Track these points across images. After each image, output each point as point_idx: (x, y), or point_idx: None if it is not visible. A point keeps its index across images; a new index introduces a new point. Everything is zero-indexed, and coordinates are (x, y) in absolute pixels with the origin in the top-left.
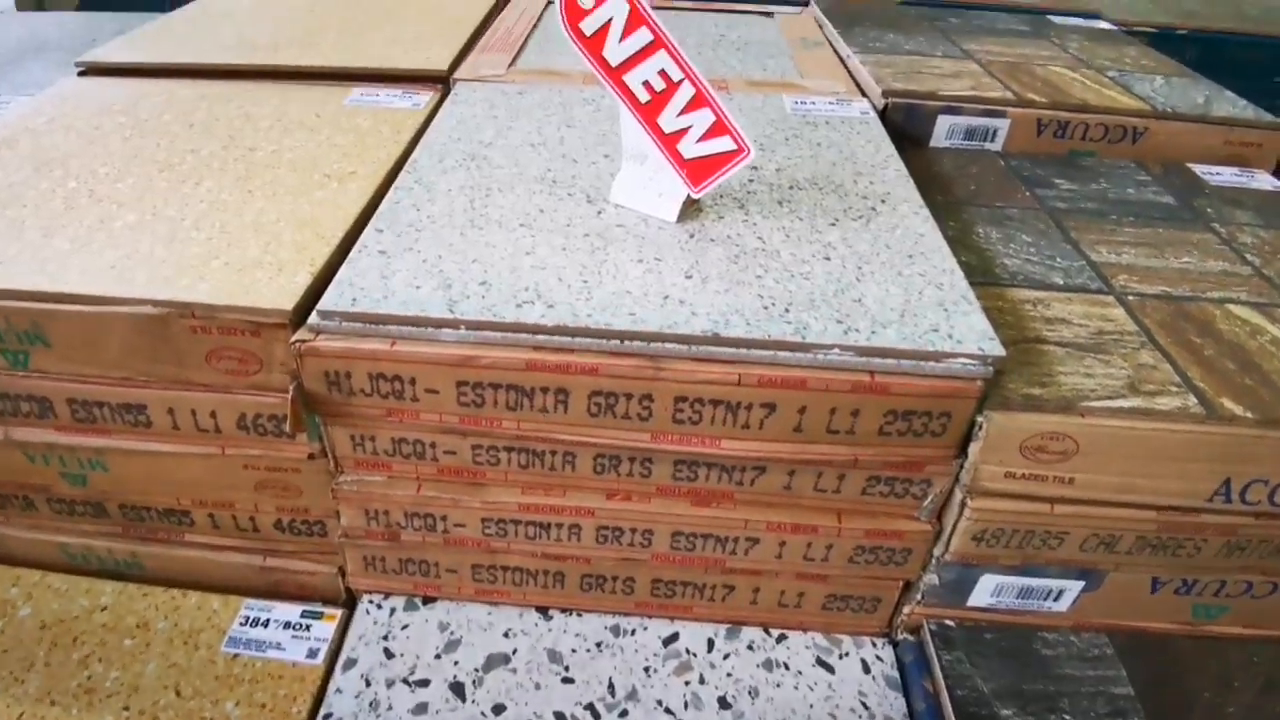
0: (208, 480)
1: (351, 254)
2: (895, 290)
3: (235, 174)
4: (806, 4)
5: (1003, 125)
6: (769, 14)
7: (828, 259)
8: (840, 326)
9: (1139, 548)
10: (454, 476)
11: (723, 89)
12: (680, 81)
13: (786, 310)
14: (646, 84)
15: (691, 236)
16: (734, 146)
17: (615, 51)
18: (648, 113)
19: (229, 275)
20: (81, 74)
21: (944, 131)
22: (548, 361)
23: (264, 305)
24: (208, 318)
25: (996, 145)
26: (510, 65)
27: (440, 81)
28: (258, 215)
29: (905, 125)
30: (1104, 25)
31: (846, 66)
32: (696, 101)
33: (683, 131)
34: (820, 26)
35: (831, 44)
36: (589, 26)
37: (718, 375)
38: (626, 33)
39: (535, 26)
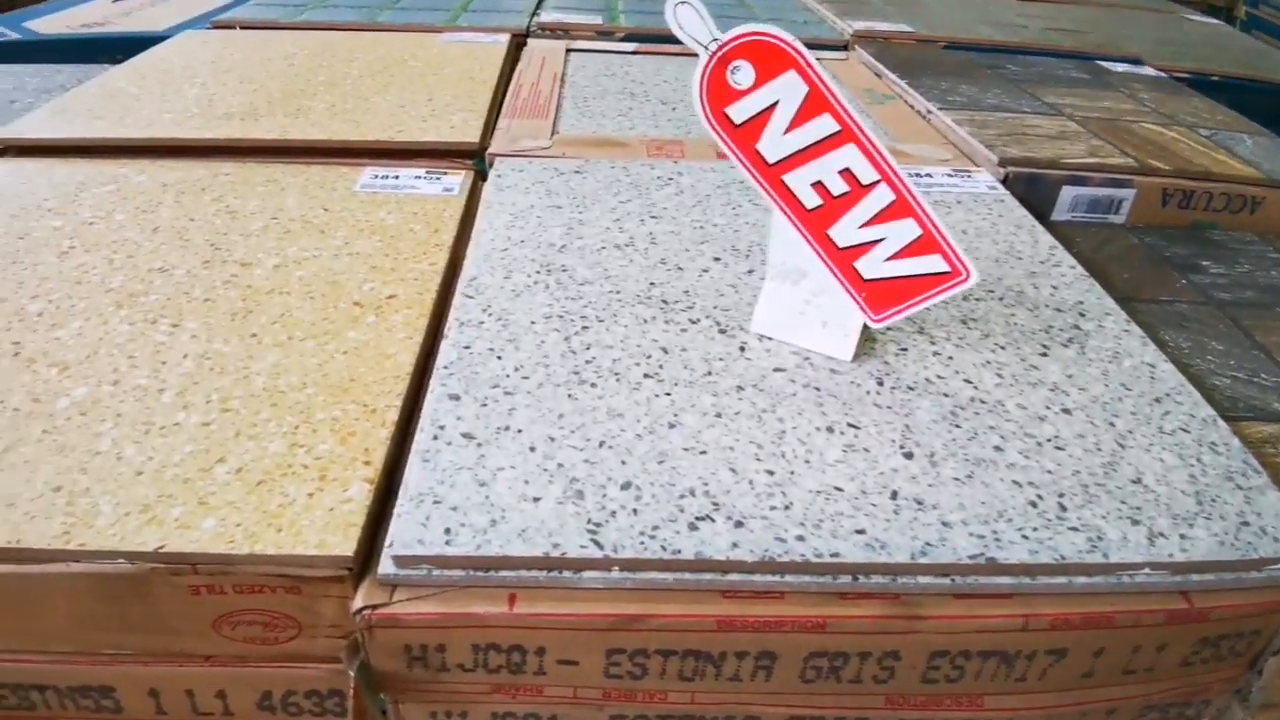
0: None
1: (422, 444)
2: (1170, 459)
3: (228, 307)
4: (844, 48)
5: (1128, 196)
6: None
7: (1067, 412)
8: (1139, 530)
9: None
10: None
11: None
12: (873, 184)
13: (1063, 509)
14: (819, 186)
15: (880, 383)
16: (946, 268)
17: (776, 145)
18: (815, 222)
19: (243, 494)
20: None
21: (1067, 204)
22: (749, 618)
23: (307, 552)
24: (218, 574)
25: (1120, 217)
26: (553, 134)
27: (470, 156)
28: (271, 378)
29: (1026, 198)
30: (1150, 72)
31: (932, 125)
32: (896, 210)
33: (866, 246)
34: (878, 75)
35: (901, 97)
36: (741, 113)
37: (997, 619)
38: (799, 121)
39: (563, 83)
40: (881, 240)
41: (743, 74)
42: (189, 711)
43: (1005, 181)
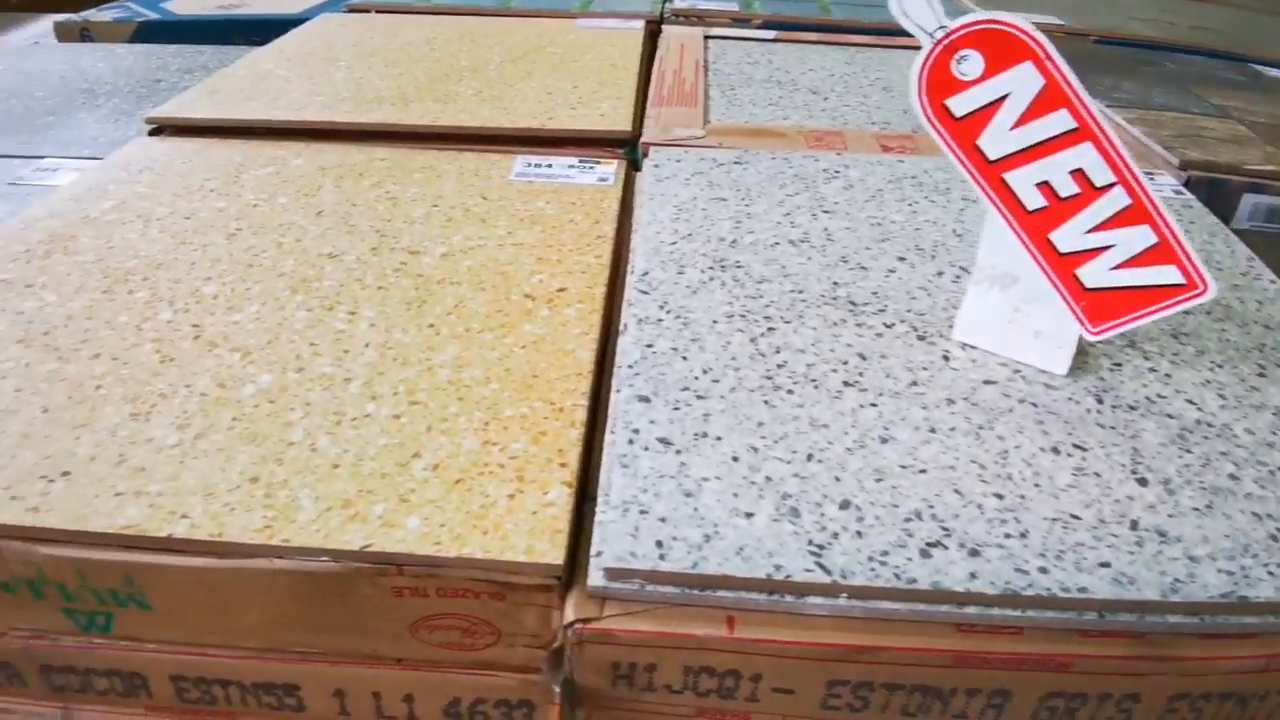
0: None
1: (618, 448)
2: None
3: (402, 296)
4: None
5: None
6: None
7: None
8: None
9: None
10: None
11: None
12: (1108, 187)
13: None
14: (1044, 186)
15: (1099, 401)
16: (1180, 280)
17: (1000, 141)
18: (1035, 224)
19: (443, 493)
20: (153, 132)
21: (1246, 212)
22: (989, 655)
23: (516, 558)
24: (423, 576)
25: None
26: (705, 123)
27: (622, 145)
28: (454, 371)
29: (1205, 204)
30: None
31: None
32: (1130, 216)
33: (1092, 253)
34: None
35: None
36: (963, 105)
37: (1240, 660)
38: (1030, 117)
39: (706, 71)
40: (1110, 247)
41: (970, 64)
42: (373, 714)
43: (1187, 185)
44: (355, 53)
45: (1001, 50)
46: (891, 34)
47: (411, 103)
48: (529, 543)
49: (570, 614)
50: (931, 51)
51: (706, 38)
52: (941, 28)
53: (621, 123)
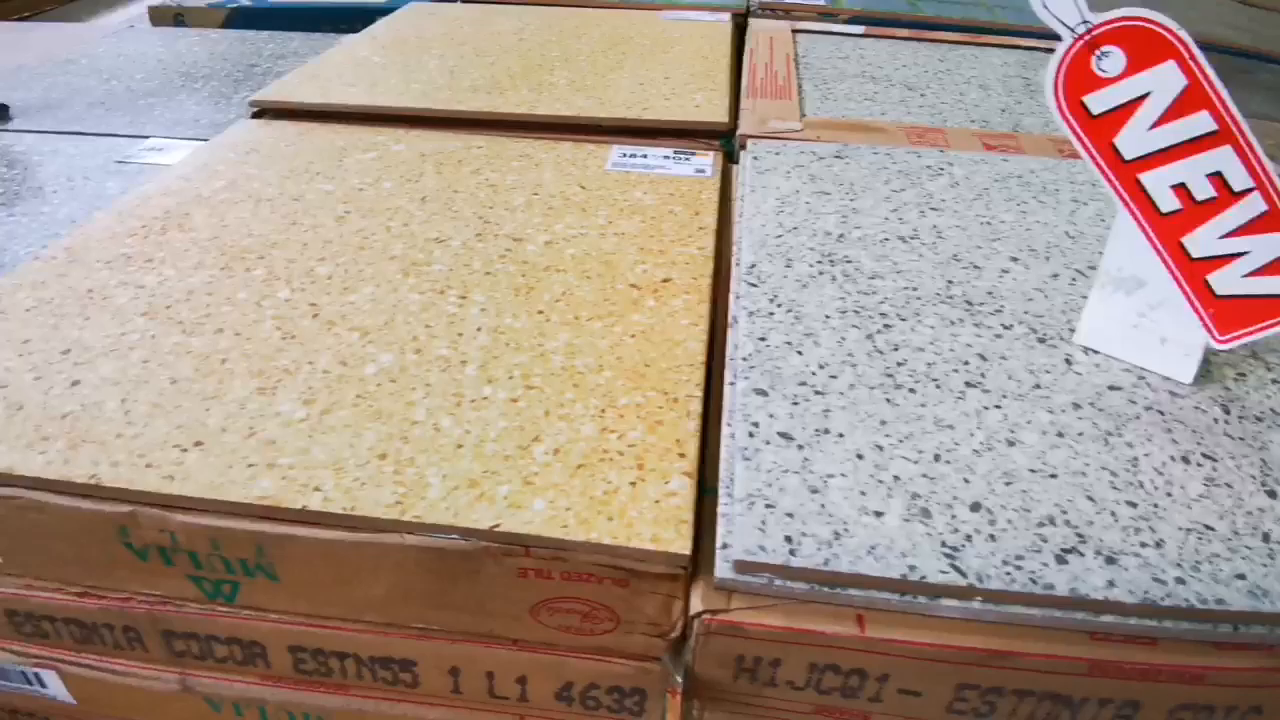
0: None
1: (739, 441)
2: None
3: (510, 282)
4: None
5: None
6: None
7: None
8: None
9: None
10: None
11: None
12: (1246, 192)
13: None
14: (1180, 189)
15: (1226, 411)
16: None
17: (1137, 140)
18: (1168, 227)
19: (565, 477)
20: (256, 115)
21: None
22: (1124, 664)
23: (642, 545)
24: (550, 559)
25: None
26: (801, 116)
27: (718, 136)
28: (569, 357)
29: None
30: None
31: None
32: (1268, 222)
33: (1225, 260)
34: None
35: None
36: (1101, 103)
37: None
38: (1170, 117)
39: (797, 64)
40: (1245, 254)
41: (1112, 61)
42: (484, 693)
43: None
44: (447, 41)
45: (1145, 48)
46: (981, 31)
47: (506, 91)
48: (654, 531)
49: (698, 604)
50: (1072, 47)
51: (795, 31)
52: (1084, 23)
53: (718, 114)
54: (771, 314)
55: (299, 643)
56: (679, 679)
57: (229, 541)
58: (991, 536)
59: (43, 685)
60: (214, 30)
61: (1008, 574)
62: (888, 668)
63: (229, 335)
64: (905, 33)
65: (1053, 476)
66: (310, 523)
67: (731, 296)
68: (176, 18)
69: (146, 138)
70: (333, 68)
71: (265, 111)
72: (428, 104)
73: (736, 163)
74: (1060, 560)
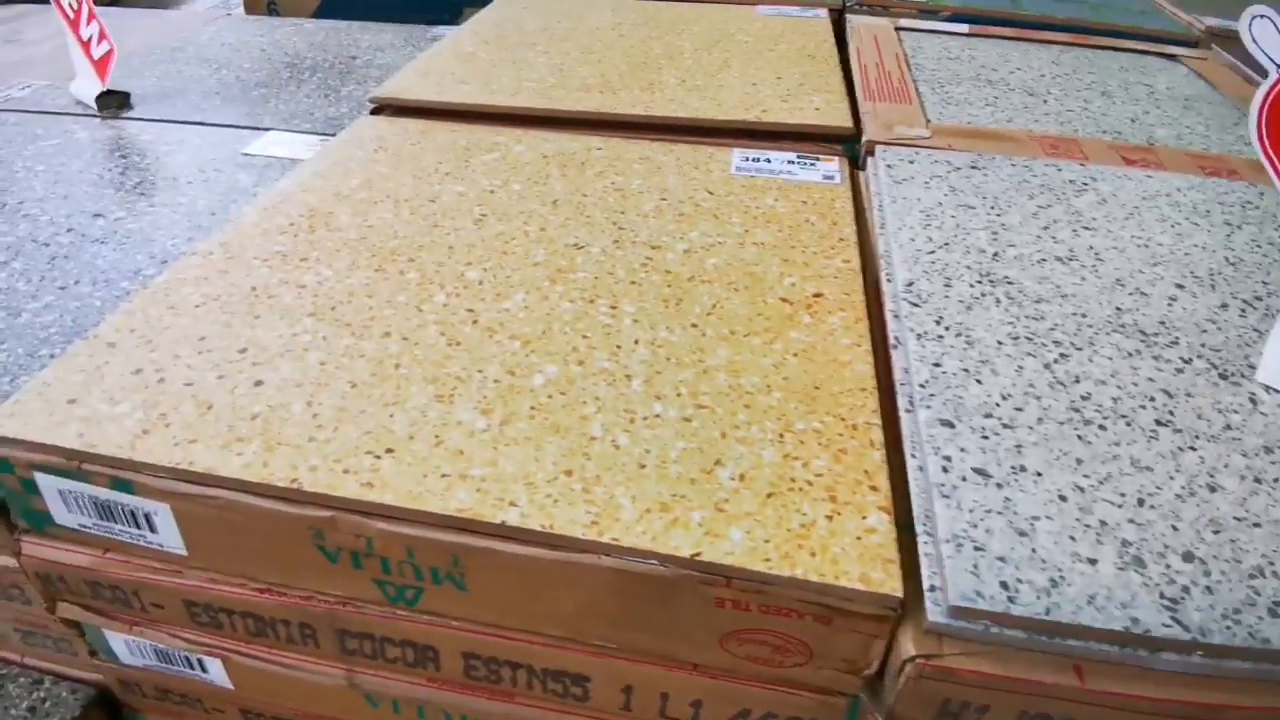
0: None
1: (932, 476)
2: None
3: (657, 292)
4: (1194, 45)
5: None
6: (1170, 55)
7: None
8: None
9: None
10: None
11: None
12: None
13: None
14: None
15: None
16: None
17: None
18: None
19: (757, 506)
20: (375, 111)
21: None
22: None
23: (850, 584)
24: (750, 591)
25: None
26: (926, 121)
27: (840, 141)
28: (734, 375)
29: None
30: None
31: None
32: None
33: None
34: (1252, 83)
35: None
36: None
37: None
38: None
39: (908, 63)
40: None
41: None
42: (656, 714)
43: None
44: (548, 37)
45: None
46: (1087, 32)
47: (619, 91)
48: (861, 570)
49: (909, 648)
50: (1275, 84)
51: (897, 29)
52: None
53: (840, 118)
54: (940, 337)
55: (473, 650)
56: (880, 717)
57: (425, 550)
58: (1208, 589)
59: (204, 670)
60: (307, 20)
61: (1228, 628)
62: (1103, 719)
63: (396, 339)
64: (1011, 32)
65: (1256, 525)
66: (508, 537)
67: (888, 315)
68: (270, 5)
69: (267, 130)
70: (443, 64)
71: (383, 107)
72: (543, 104)
73: (860, 169)
74: (1273, 614)
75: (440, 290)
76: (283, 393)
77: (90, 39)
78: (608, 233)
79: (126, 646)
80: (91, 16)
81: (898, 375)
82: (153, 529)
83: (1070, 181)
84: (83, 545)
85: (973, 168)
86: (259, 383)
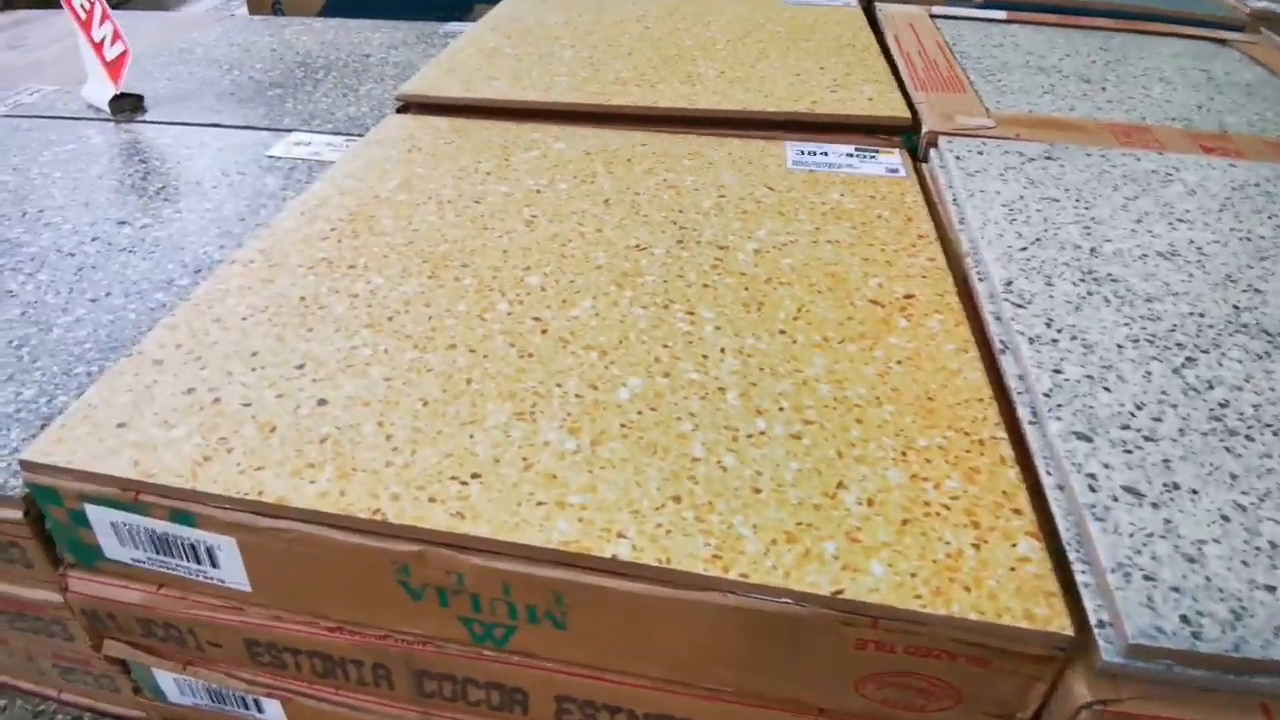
0: None
1: (1080, 496)
2: None
3: (734, 296)
4: (1241, 29)
5: None
6: (1219, 40)
7: None
8: None
9: None
10: None
11: None
12: None
13: None
14: None
15: None
16: None
17: None
18: None
19: (893, 535)
20: (401, 109)
21: None
22: None
23: (1016, 624)
24: (898, 631)
25: None
26: (985, 111)
27: (898, 133)
28: (837, 386)
29: None
30: None
31: None
32: None
33: None
34: None
35: None
36: None
37: None
38: None
39: (953, 53)
40: None
41: None
42: None
43: None
44: (572, 31)
45: None
46: (1129, 16)
47: (657, 84)
48: (1023, 605)
49: (1084, 693)
50: None
51: (932, 16)
52: None
53: (897, 108)
54: (1055, 340)
55: (569, 692)
56: None
57: (523, 587)
58: None
59: (259, 711)
60: (315, 19)
61: None
62: None
63: (463, 351)
64: (1051, 18)
65: None
66: (618, 573)
67: (988, 317)
68: (275, 5)
69: (289, 131)
70: (467, 59)
71: (409, 105)
72: (580, 98)
73: (921, 161)
74: None
75: (501, 297)
76: (350, 412)
77: (104, 40)
78: (669, 233)
79: (176, 685)
80: (105, 17)
81: (1010, 383)
82: (214, 564)
83: (1153, 172)
84: (135, 581)
85: (1047, 159)
86: (322, 401)
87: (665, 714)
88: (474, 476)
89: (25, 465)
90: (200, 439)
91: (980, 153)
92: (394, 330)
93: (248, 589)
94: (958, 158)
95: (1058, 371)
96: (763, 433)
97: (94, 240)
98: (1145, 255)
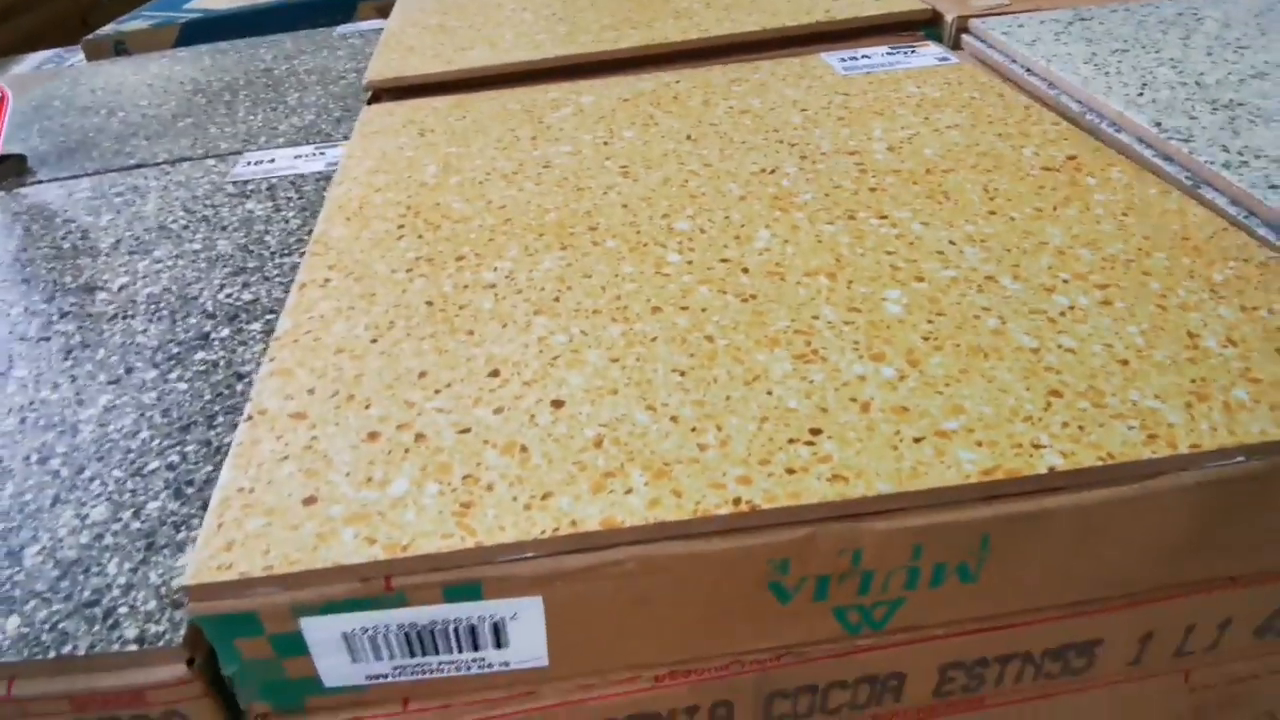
0: None
1: None
2: None
3: (910, 192)
4: None
5: None
6: None
7: None
8: None
9: None
10: None
11: None
12: None
13: None
14: None
15: None
16: None
17: None
18: None
19: None
20: (371, 100)
21: None
22: None
23: None
24: None
25: None
26: None
27: (918, 27)
28: (1095, 249)
29: None
30: None
31: None
32: None
33: None
34: None
35: None
36: None
37: None
38: None
39: None
40: None
41: None
42: (1169, 655)
43: None
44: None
45: None
46: None
47: (654, 23)
48: None
49: None
50: None
51: None
52: None
53: (915, 2)
54: (1245, 163)
55: (957, 658)
56: None
57: (941, 541)
58: None
59: None
60: (179, 50)
61: None
62: None
63: (675, 311)
64: None
65: None
66: (1055, 489)
67: (1157, 160)
68: (118, 46)
69: (236, 154)
70: (419, 38)
71: (381, 94)
72: (578, 49)
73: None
74: None
75: (664, 250)
76: (600, 406)
77: None
78: (782, 152)
79: None
80: None
81: (1230, 210)
82: (499, 643)
83: (1179, 15)
84: (368, 709)
85: (1083, 20)
86: (558, 403)
87: (1067, 643)
88: (814, 433)
89: (195, 593)
90: (436, 486)
91: (1021, 26)
92: (573, 309)
93: (545, 663)
94: (1005, 33)
95: (1274, 188)
96: (1072, 308)
97: (65, 317)
98: (1243, 80)
